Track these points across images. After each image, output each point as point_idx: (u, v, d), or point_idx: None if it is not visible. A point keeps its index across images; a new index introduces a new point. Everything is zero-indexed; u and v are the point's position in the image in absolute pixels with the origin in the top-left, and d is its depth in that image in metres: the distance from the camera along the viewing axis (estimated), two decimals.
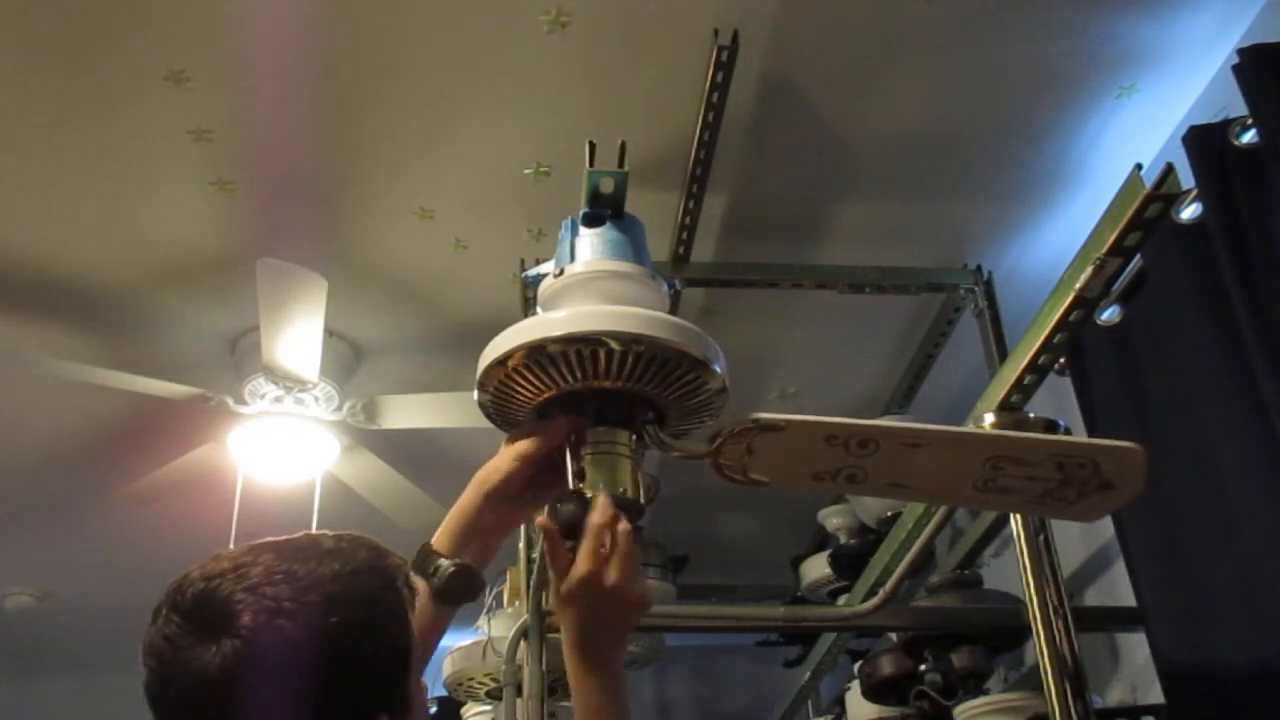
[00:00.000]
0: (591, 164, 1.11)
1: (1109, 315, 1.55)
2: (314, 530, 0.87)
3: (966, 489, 0.89)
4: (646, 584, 0.99)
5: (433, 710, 2.62)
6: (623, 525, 0.95)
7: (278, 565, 0.80)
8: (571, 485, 1.00)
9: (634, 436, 1.04)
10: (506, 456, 1.05)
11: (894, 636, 2.13)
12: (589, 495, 0.97)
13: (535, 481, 1.06)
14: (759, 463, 0.94)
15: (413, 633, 0.87)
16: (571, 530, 0.95)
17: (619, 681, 0.97)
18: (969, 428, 0.90)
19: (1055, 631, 1.24)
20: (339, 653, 0.80)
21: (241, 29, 1.86)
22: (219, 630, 0.77)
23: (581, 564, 0.93)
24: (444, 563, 0.99)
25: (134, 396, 2.58)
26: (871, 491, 0.94)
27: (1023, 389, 1.52)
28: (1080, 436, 0.84)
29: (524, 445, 1.04)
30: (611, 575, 0.93)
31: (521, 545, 2.03)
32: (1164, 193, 1.23)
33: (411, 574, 0.93)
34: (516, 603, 2.36)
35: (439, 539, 1.04)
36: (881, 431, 0.89)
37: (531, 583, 1.78)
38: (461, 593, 0.99)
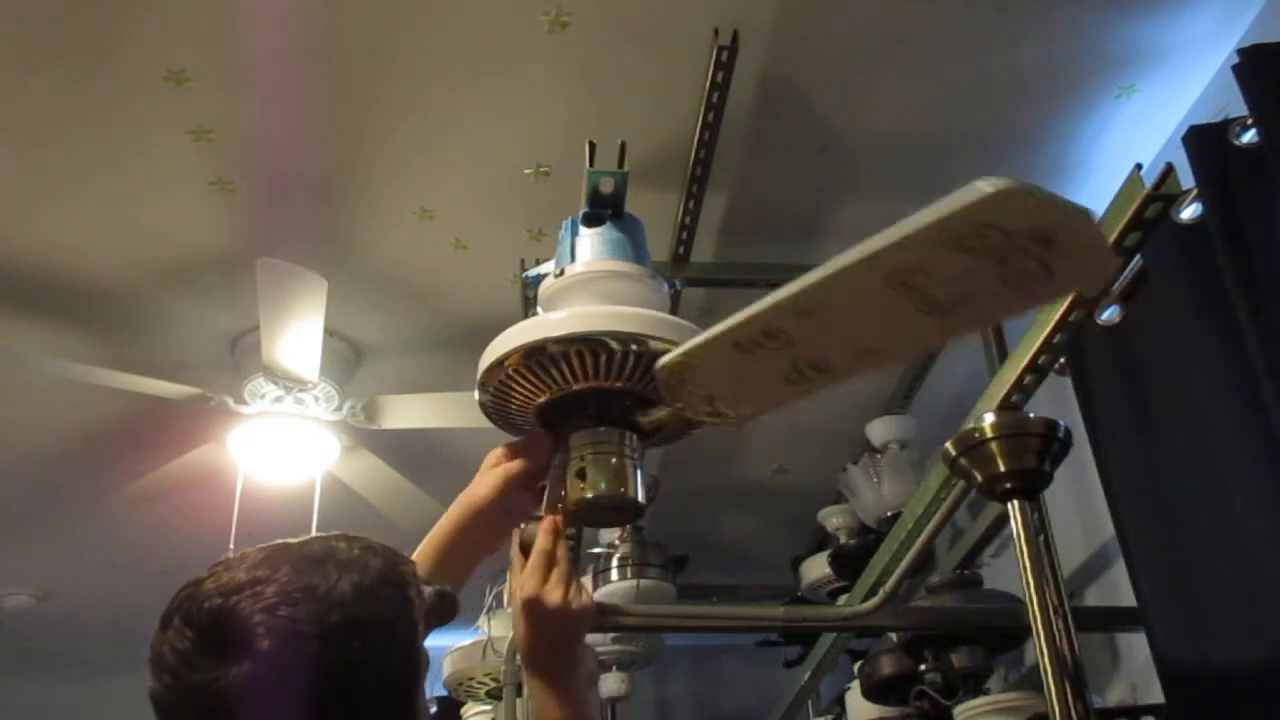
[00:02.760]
0: (591, 164, 1.12)
1: (1109, 315, 1.55)
2: (323, 534, 0.86)
3: (918, 319, 0.76)
4: (588, 595, 1.02)
5: (433, 710, 2.62)
6: (562, 545, 1.00)
7: (295, 581, 0.79)
8: (544, 510, 1.03)
9: (634, 436, 1.04)
10: (490, 480, 1.07)
11: (894, 636, 2.13)
12: (560, 508, 1.01)
13: (517, 503, 1.08)
14: (724, 397, 0.89)
15: (423, 643, 0.87)
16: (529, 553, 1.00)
17: (577, 698, 0.98)
18: (836, 261, 0.76)
19: (1055, 631, 1.24)
20: (357, 674, 0.79)
21: (241, 29, 1.86)
22: (238, 652, 0.76)
23: (527, 583, 0.97)
24: (428, 589, 0.97)
25: (134, 396, 2.58)
26: (847, 372, 0.83)
27: (1023, 389, 1.52)
28: (940, 205, 0.70)
29: (509, 467, 1.06)
30: (553, 596, 0.97)
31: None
32: (1164, 193, 1.23)
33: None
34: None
35: (423, 556, 1.04)
36: (767, 314, 0.81)
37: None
38: (441, 617, 0.98)
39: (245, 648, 0.76)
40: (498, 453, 1.10)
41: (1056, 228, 0.68)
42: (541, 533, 1.01)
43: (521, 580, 0.98)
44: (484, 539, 1.08)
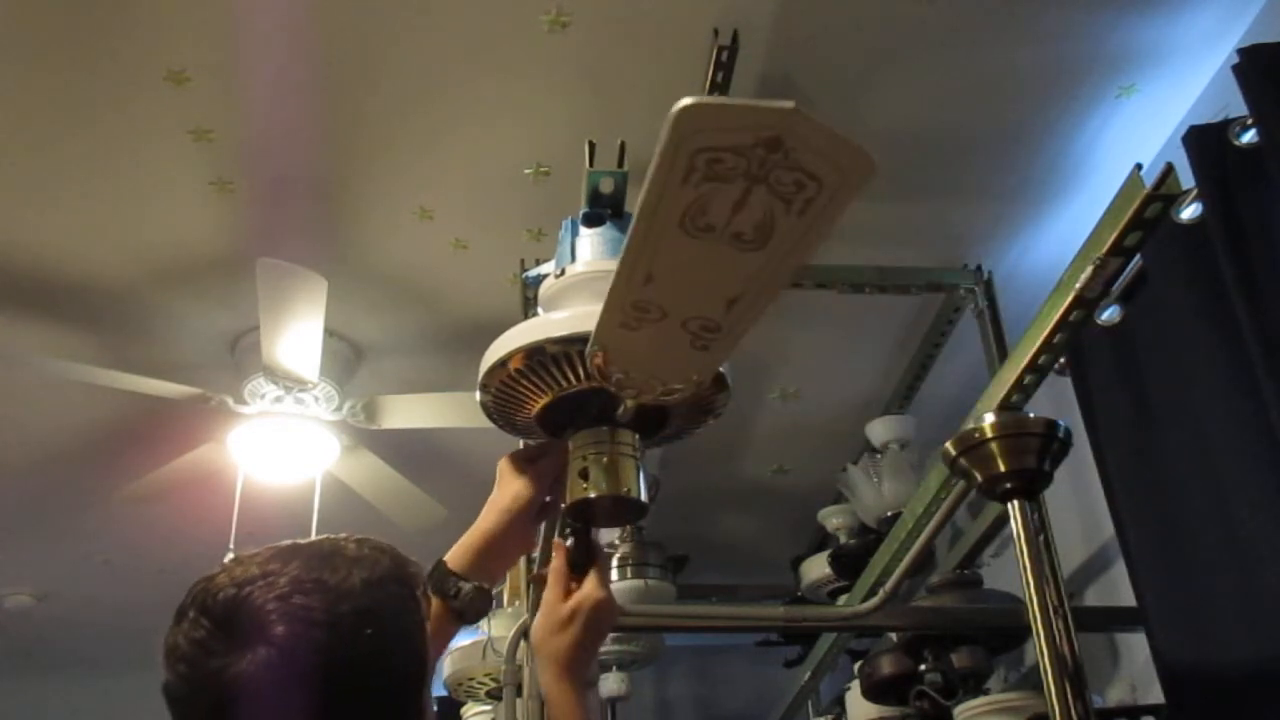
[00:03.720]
0: (591, 164, 1.12)
1: (1109, 315, 1.55)
2: (332, 534, 0.88)
3: (747, 258, 0.77)
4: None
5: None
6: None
7: (306, 574, 0.81)
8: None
9: (636, 436, 1.04)
10: (523, 482, 1.10)
11: (894, 636, 2.13)
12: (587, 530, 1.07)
13: (548, 504, 1.13)
14: (654, 374, 0.92)
15: (430, 642, 0.88)
16: (579, 566, 1.06)
17: (588, 691, 1.04)
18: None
19: (1055, 631, 1.24)
20: (368, 664, 0.80)
21: (241, 29, 1.86)
22: (252, 639, 0.77)
23: (600, 588, 1.03)
24: (465, 585, 1.04)
25: (134, 396, 2.58)
26: (735, 325, 0.84)
27: (1023, 389, 1.52)
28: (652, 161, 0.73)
29: (539, 470, 1.10)
30: (613, 597, 1.05)
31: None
32: (1164, 193, 1.23)
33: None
34: (516, 603, 2.36)
35: (456, 559, 1.07)
36: (620, 290, 0.83)
37: (532, 585, 1.78)
38: (479, 614, 1.05)
39: (259, 635, 0.77)
40: (514, 456, 1.12)
41: (773, 130, 0.69)
42: (601, 543, 1.08)
43: (593, 586, 1.03)
44: (518, 541, 1.12)
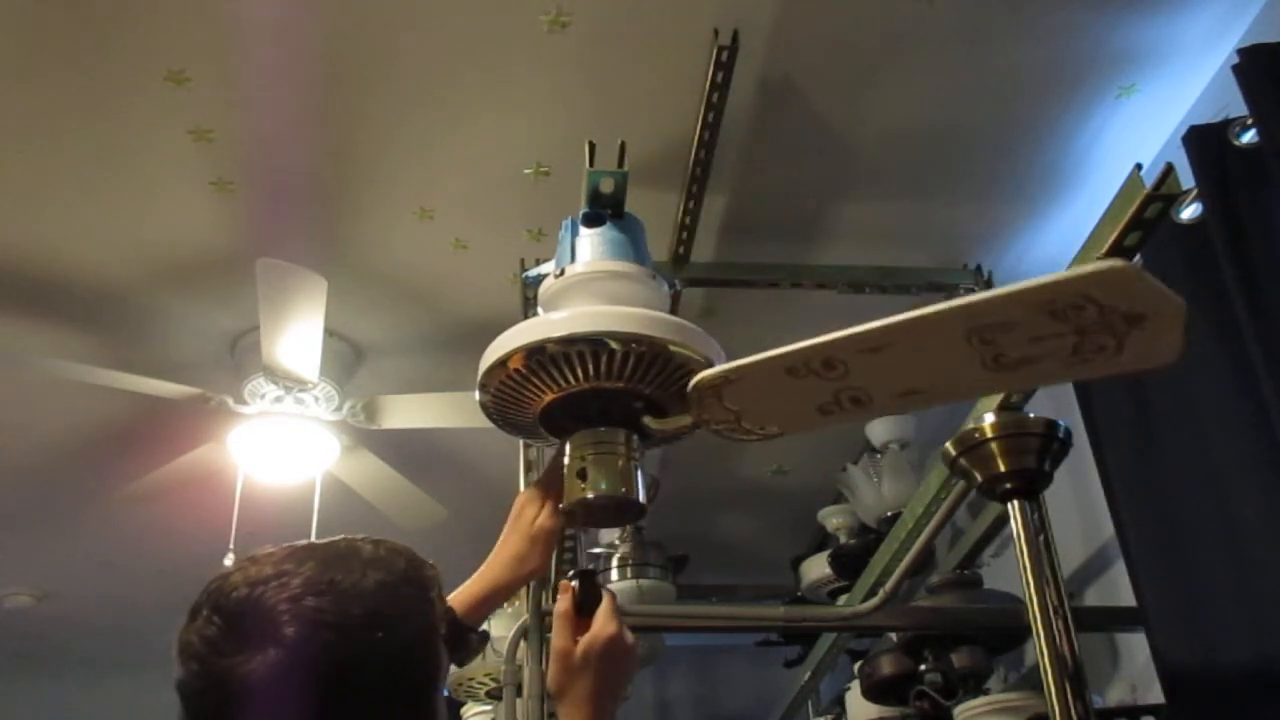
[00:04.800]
0: (591, 164, 1.12)
1: None
2: (349, 535, 0.88)
3: (978, 373, 0.79)
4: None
5: None
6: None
7: (320, 575, 0.81)
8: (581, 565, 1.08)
9: (635, 436, 1.04)
10: (534, 548, 1.13)
11: (894, 636, 2.13)
12: (594, 571, 1.10)
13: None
14: (752, 415, 0.92)
15: (443, 645, 0.88)
16: (587, 608, 1.05)
17: None
18: (928, 309, 0.77)
19: (1055, 631, 1.24)
20: (379, 666, 0.80)
21: (241, 29, 1.86)
22: (263, 639, 0.78)
23: (610, 624, 1.03)
24: (473, 637, 1.04)
25: (134, 396, 2.58)
26: (884, 408, 0.86)
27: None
28: (1054, 274, 0.74)
29: (550, 529, 1.13)
30: (629, 636, 1.04)
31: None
32: (1164, 193, 1.23)
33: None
34: (516, 603, 2.36)
35: (465, 606, 1.07)
36: (835, 345, 0.82)
37: (531, 584, 1.78)
38: (470, 658, 1.05)
39: (270, 635, 0.78)
40: (530, 501, 1.14)
41: (1150, 312, 0.72)
42: (607, 586, 1.09)
43: (604, 623, 1.03)
44: (519, 587, 1.17)
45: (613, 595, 1.07)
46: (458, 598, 1.07)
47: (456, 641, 0.98)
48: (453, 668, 2.56)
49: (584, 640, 1.02)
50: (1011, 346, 0.77)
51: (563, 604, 1.05)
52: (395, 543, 0.88)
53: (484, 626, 2.30)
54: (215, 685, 0.78)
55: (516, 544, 1.12)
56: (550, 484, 1.13)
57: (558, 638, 1.04)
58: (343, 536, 0.87)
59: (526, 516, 1.13)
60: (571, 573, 1.09)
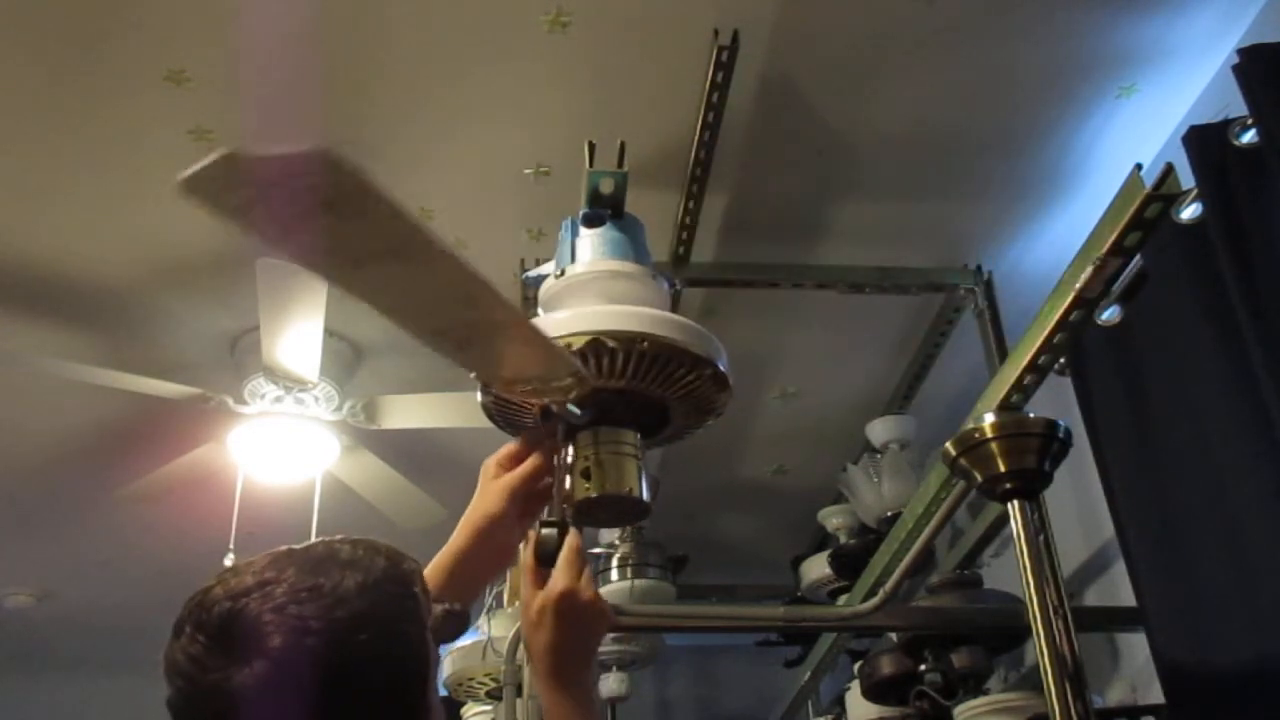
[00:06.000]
0: (591, 164, 1.12)
1: (1109, 315, 1.54)
2: (327, 537, 0.87)
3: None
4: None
5: None
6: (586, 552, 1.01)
7: (302, 581, 0.80)
8: (553, 514, 1.02)
9: (639, 435, 1.04)
10: (494, 496, 1.06)
11: (894, 636, 2.13)
12: (568, 520, 1.01)
13: (524, 510, 1.07)
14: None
15: (430, 640, 0.87)
16: (548, 558, 0.99)
17: (591, 700, 0.98)
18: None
19: (1055, 631, 1.24)
20: (368, 667, 0.80)
21: (241, 29, 1.86)
22: (248, 652, 0.77)
23: (561, 579, 0.97)
24: (436, 609, 0.96)
25: (134, 396, 2.57)
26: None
27: (1023, 389, 1.52)
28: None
29: (510, 479, 1.06)
30: (587, 593, 0.97)
31: (523, 546, 2.03)
32: (1164, 193, 1.22)
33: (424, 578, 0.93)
34: (516, 603, 2.36)
35: (428, 578, 1.01)
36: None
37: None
38: (450, 636, 0.98)
39: (256, 647, 0.77)
40: (494, 462, 1.09)
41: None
42: (572, 533, 1.00)
43: (555, 578, 0.97)
44: (496, 556, 1.08)
45: (577, 546, 0.99)
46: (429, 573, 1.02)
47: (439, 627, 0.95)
48: (453, 668, 2.55)
49: (540, 595, 0.97)
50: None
51: (524, 555, 1.01)
52: (373, 540, 0.87)
53: (484, 626, 2.31)
54: (204, 702, 0.78)
55: (476, 498, 1.07)
56: (520, 447, 1.09)
57: (523, 590, 1.00)
58: (320, 540, 0.86)
59: (489, 472, 1.08)
60: (539, 521, 1.03)
